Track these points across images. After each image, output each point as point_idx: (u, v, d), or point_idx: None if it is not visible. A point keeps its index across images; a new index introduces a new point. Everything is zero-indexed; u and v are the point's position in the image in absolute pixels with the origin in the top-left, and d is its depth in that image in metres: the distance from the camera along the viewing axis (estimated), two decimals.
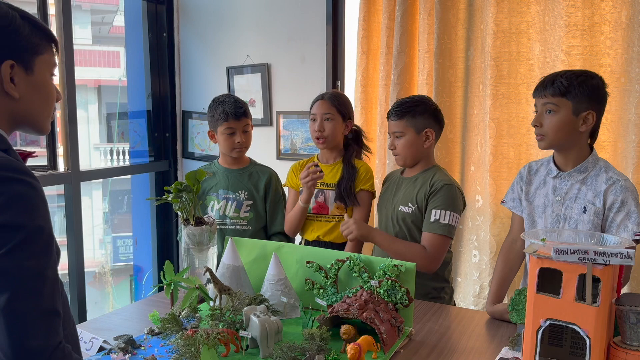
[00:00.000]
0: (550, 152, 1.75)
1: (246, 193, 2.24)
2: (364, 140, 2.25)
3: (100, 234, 8.55)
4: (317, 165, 2.06)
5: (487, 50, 2.51)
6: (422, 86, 2.73)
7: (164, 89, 3.52)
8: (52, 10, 2.80)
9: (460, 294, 2.73)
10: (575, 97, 1.59)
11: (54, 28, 2.81)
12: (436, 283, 1.99)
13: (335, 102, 2.12)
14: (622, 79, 2.26)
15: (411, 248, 1.87)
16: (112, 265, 7.70)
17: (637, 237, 1.53)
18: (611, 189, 1.59)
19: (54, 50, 1.05)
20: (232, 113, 2.15)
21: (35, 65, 1.01)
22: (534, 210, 1.75)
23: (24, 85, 1.00)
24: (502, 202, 1.90)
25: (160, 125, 3.54)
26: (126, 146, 3.75)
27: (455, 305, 2.10)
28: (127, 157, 3.79)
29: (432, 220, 1.86)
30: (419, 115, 1.95)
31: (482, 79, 2.59)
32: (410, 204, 1.94)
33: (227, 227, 2.21)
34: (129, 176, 3.98)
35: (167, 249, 3.56)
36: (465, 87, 2.67)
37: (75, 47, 2.88)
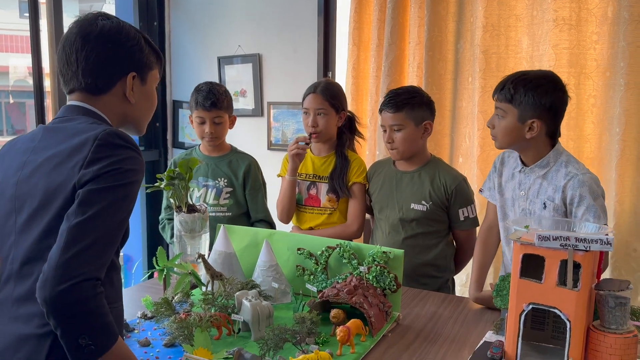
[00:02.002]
0: None
1: (225, 180, 2.26)
2: (357, 127, 2.26)
3: None
4: (307, 144, 2.08)
5: (477, 44, 2.55)
6: (412, 78, 2.76)
7: None
8: None
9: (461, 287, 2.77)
10: (520, 104, 1.58)
11: (43, 15, 2.80)
12: (447, 274, 2.07)
13: (328, 96, 2.10)
14: (607, 73, 2.31)
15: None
16: None
17: None
18: (569, 184, 1.58)
19: (160, 67, 1.27)
20: (201, 103, 2.17)
21: (148, 78, 1.22)
22: (505, 202, 1.77)
23: (139, 93, 1.20)
24: (480, 190, 1.94)
25: None
26: None
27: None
28: None
29: (462, 219, 2.00)
30: (417, 107, 1.95)
31: (471, 72, 2.63)
32: (424, 202, 1.97)
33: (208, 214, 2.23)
34: None
35: (157, 238, 3.57)
36: (454, 79, 2.70)
37: None
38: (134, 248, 3.79)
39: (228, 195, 2.26)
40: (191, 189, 2.25)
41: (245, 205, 2.30)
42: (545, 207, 1.63)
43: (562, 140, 2.38)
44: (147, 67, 1.21)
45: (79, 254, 0.96)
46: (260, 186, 2.31)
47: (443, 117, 2.74)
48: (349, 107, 2.88)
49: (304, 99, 2.16)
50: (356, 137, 2.26)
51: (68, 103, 1.17)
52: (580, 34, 2.35)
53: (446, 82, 2.72)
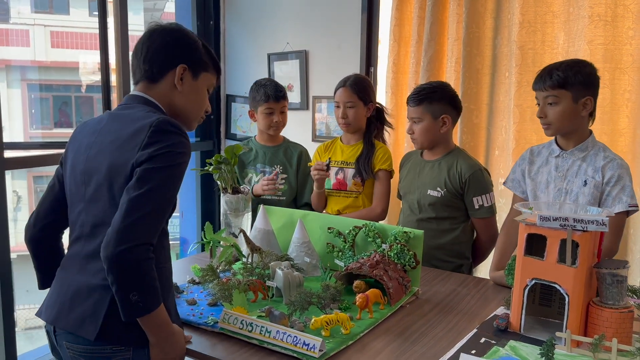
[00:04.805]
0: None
1: (281, 167, 2.47)
2: (386, 117, 2.42)
3: None
4: (327, 165, 2.26)
5: (513, 40, 2.62)
6: (450, 73, 2.86)
7: None
8: None
9: (482, 272, 2.87)
10: (573, 86, 1.73)
11: (110, 14, 3.08)
12: (461, 261, 2.16)
13: (356, 89, 2.28)
14: None
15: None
16: None
17: (630, 208, 1.71)
18: (609, 165, 1.75)
19: (216, 76, 1.44)
20: (272, 95, 2.40)
21: (200, 77, 1.38)
22: (537, 186, 1.89)
23: (188, 85, 1.36)
24: (503, 183, 2.06)
25: None
26: None
27: None
28: None
29: (476, 207, 2.08)
30: (436, 101, 2.09)
31: (507, 67, 2.70)
32: (439, 188, 2.10)
33: (265, 197, 2.45)
34: None
35: (210, 221, 3.83)
36: (491, 74, 2.79)
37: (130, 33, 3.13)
38: (189, 231, 4.08)
39: (283, 181, 2.48)
40: (250, 174, 2.49)
41: (297, 190, 2.50)
42: (585, 183, 1.77)
43: (596, 134, 2.45)
44: (200, 66, 1.37)
45: (136, 221, 1.14)
46: (309, 173, 2.50)
47: (480, 111, 2.83)
48: (389, 100, 3.04)
49: (335, 92, 2.33)
50: (385, 126, 2.41)
51: (131, 93, 1.37)
52: (615, 29, 2.38)
53: (483, 77, 2.80)
